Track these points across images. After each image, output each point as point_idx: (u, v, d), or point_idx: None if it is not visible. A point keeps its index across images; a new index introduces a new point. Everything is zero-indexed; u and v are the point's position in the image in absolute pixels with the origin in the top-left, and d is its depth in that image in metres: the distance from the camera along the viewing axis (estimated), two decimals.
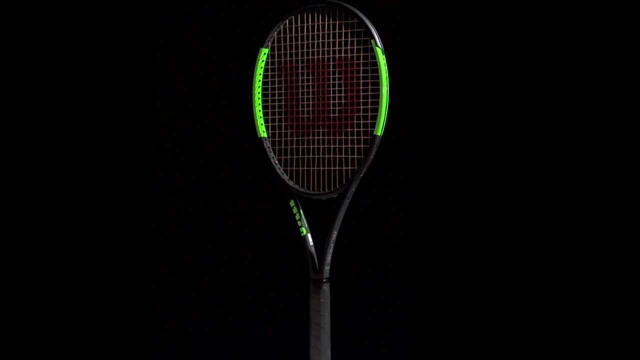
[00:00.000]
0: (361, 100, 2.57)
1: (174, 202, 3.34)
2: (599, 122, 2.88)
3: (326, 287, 2.58)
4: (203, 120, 3.35)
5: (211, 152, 3.34)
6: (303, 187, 2.62)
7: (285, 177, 2.64)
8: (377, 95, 2.55)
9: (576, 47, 2.91)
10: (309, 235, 2.61)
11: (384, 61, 2.53)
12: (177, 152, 3.36)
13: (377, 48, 2.54)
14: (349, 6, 2.57)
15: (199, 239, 3.36)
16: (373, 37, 2.53)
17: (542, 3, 2.94)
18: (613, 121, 2.87)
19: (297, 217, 2.61)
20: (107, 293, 3.08)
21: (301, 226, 2.61)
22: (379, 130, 2.54)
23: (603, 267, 2.87)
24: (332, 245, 2.57)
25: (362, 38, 2.57)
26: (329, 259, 2.58)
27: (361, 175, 2.56)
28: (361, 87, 2.58)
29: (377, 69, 2.54)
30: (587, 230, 2.89)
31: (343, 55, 2.58)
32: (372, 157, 2.54)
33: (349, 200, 2.56)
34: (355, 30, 2.57)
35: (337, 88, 2.60)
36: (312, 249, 2.60)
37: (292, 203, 2.63)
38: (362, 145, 2.57)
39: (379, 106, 2.54)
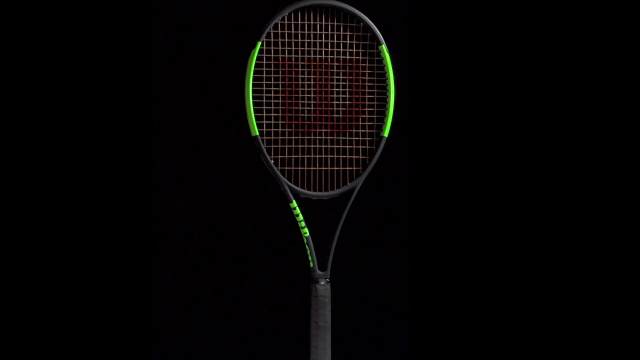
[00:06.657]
0: (367, 102, 2.62)
1: (174, 203, 3.16)
2: (602, 125, 2.92)
3: (327, 287, 2.60)
4: (203, 119, 3.16)
5: (212, 150, 3.18)
6: (303, 187, 2.61)
7: (284, 177, 2.61)
8: (380, 98, 2.61)
9: (579, 43, 2.94)
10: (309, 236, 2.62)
11: (391, 65, 2.60)
12: (178, 151, 3.18)
13: (387, 54, 2.60)
14: (355, 10, 2.61)
15: (200, 238, 3.20)
16: (383, 43, 2.60)
17: (543, 4, 2.97)
18: (613, 122, 2.91)
19: (300, 217, 2.60)
20: (107, 293, 3.04)
21: (304, 227, 2.60)
22: (386, 132, 2.61)
23: (602, 269, 2.90)
24: (334, 245, 2.60)
25: (368, 42, 2.61)
26: (330, 258, 2.60)
27: (366, 175, 2.61)
28: (361, 89, 2.62)
29: (385, 72, 2.60)
30: (586, 232, 2.92)
31: (348, 57, 2.61)
32: (377, 157, 2.61)
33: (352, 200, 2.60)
34: (362, 33, 2.61)
35: (340, 89, 2.62)
36: (313, 249, 2.61)
37: (294, 204, 2.60)
38: (365, 147, 2.62)
39: (387, 108, 2.61)
